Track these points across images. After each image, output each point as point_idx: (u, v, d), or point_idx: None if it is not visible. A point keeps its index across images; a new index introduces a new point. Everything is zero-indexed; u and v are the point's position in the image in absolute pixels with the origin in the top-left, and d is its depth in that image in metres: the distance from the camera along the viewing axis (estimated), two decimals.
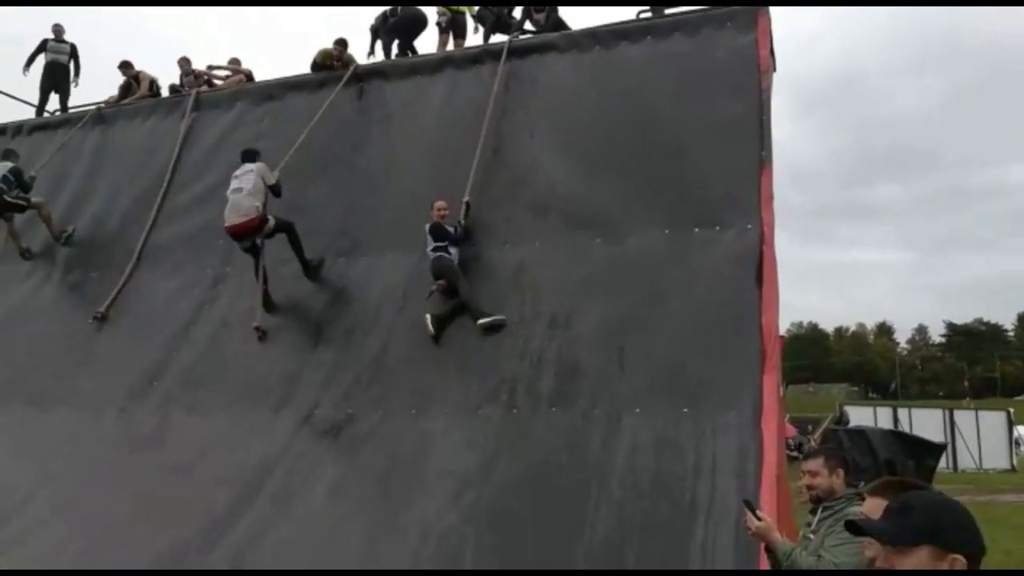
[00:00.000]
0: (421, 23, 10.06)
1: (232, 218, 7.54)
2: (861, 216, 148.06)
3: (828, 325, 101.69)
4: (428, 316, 6.87)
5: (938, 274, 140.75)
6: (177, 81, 11.49)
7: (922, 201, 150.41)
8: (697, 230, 6.71)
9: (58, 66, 11.92)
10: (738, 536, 4.61)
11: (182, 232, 9.12)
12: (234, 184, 7.67)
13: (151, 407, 7.43)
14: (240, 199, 7.52)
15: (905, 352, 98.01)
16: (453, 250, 7.18)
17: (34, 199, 9.65)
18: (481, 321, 6.72)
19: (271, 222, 7.62)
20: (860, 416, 26.84)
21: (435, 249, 7.13)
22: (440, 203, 7.35)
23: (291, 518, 5.81)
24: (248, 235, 7.61)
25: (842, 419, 24.73)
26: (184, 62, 11.57)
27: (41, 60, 11.91)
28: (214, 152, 9.69)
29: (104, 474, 6.85)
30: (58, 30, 12.03)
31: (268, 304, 7.79)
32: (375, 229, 8.13)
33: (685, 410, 5.66)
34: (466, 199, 7.56)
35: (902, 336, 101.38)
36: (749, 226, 6.47)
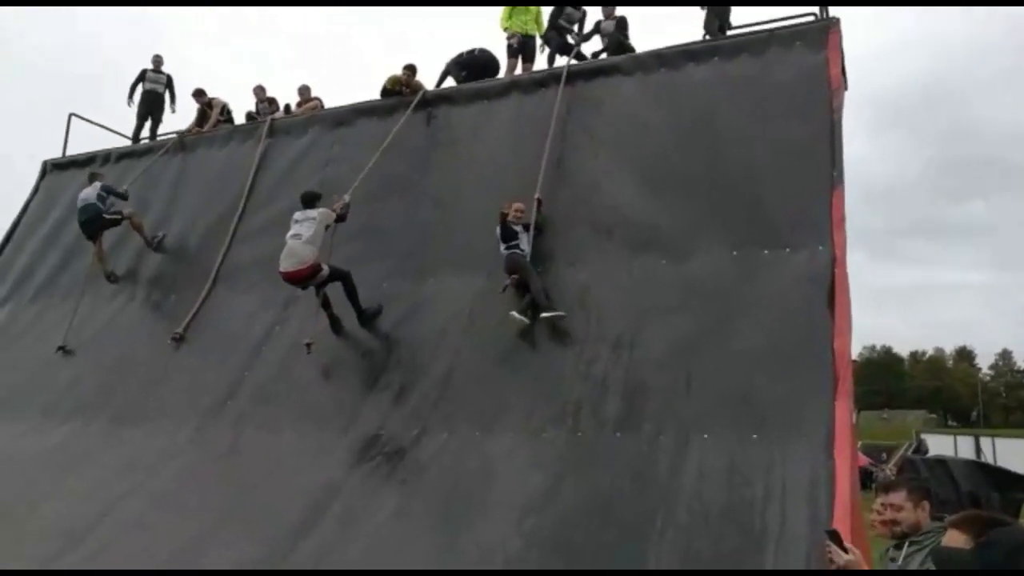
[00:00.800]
0: (494, 68, 10.15)
1: (286, 264, 7.62)
2: (944, 235, 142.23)
3: (903, 349, 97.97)
4: (514, 312, 7.06)
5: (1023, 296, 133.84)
6: (253, 108, 11.97)
7: (1009, 218, 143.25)
8: (766, 252, 6.58)
9: (155, 95, 12.62)
10: (808, 567, 4.48)
11: (256, 254, 9.39)
12: (294, 229, 7.74)
13: (224, 425, 7.64)
14: (297, 246, 7.59)
15: (988, 378, 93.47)
16: (525, 247, 7.38)
17: (126, 211, 10.23)
18: (544, 314, 6.89)
19: (325, 271, 7.67)
20: (939, 445, 25.75)
21: (508, 247, 7.36)
22: (518, 204, 7.54)
23: (355, 538, 5.85)
24: (300, 282, 7.73)
25: (920, 447, 23.70)
26: (259, 90, 12.04)
27: (140, 90, 12.61)
28: (288, 176, 10.01)
29: (178, 491, 7.04)
30: (157, 61, 12.75)
31: (336, 328, 7.92)
32: (442, 251, 8.24)
33: (754, 436, 5.53)
34: (538, 195, 7.69)
35: (984, 361, 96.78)
36: (821, 247, 6.32)
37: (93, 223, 9.99)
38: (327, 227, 7.83)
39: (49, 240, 11.50)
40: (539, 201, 7.69)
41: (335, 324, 7.96)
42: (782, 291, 6.26)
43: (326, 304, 7.91)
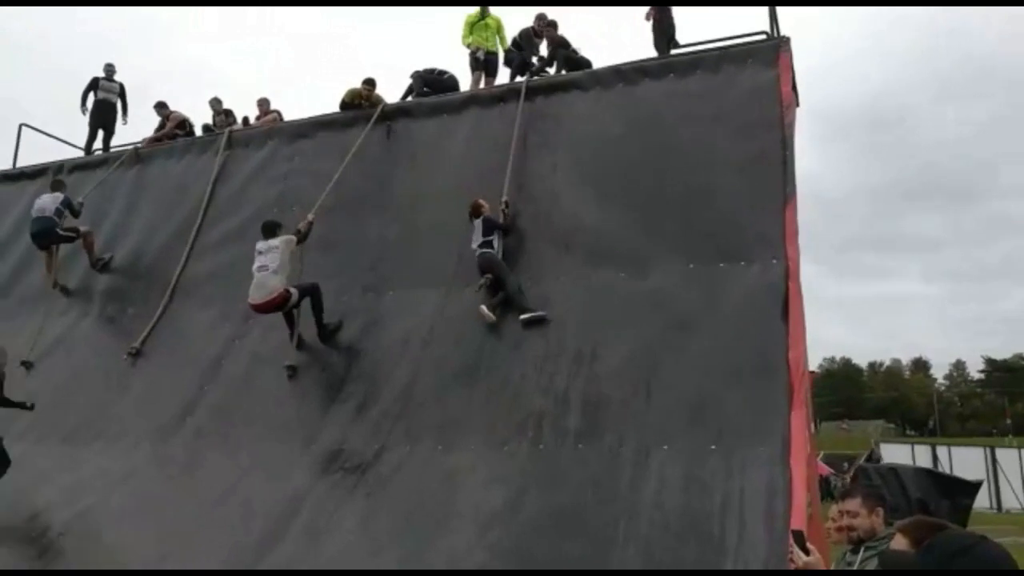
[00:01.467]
0: (455, 89, 10.20)
1: (256, 296, 7.64)
2: (896, 248, 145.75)
3: (861, 360, 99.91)
4: (483, 307, 7.18)
5: (975, 307, 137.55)
6: (210, 120, 11.85)
7: (959, 232, 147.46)
8: (722, 265, 6.72)
9: (108, 104, 12.37)
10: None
11: (214, 267, 9.31)
12: (259, 261, 7.74)
13: (183, 441, 7.52)
14: (265, 278, 7.60)
15: (943, 388, 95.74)
16: (497, 244, 7.54)
17: (81, 228, 10.00)
18: (523, 316, 7.02)
19: (294, 296, 7.69)
20: (897, 454, 26.23)
21: (482, 244, 7.52)
22: (481, 200, 7.77)
23: (320, 553, 5.81)
24: (272, 311, 7.76)
25: (872, 456, 24.16)
26: (215, 102, 11.93)
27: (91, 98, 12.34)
28: (246, 188, 9.93)
29: (137, 507, 6.92)
30: (109, 69, 12.48)
31: (299, 342, 7.90)
32: (402, 264, 8.25)
33: (713, 447, 5.62)
34: (504, 198, 7.86)
35: (939, 372, 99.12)
36: (774, 260, 6.47)
37: (46, 236, 9.78)
38: (291, 253, 7.84)
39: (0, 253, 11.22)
40: (506, 203, 7.84)
41: (299, 341, 7.90)
42: (738, 303, 6.39)
43: (290, 321, 7.88)
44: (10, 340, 9.65)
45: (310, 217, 8.17)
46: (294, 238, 7.93)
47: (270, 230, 7.95)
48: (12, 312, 10.31)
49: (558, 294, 7.23)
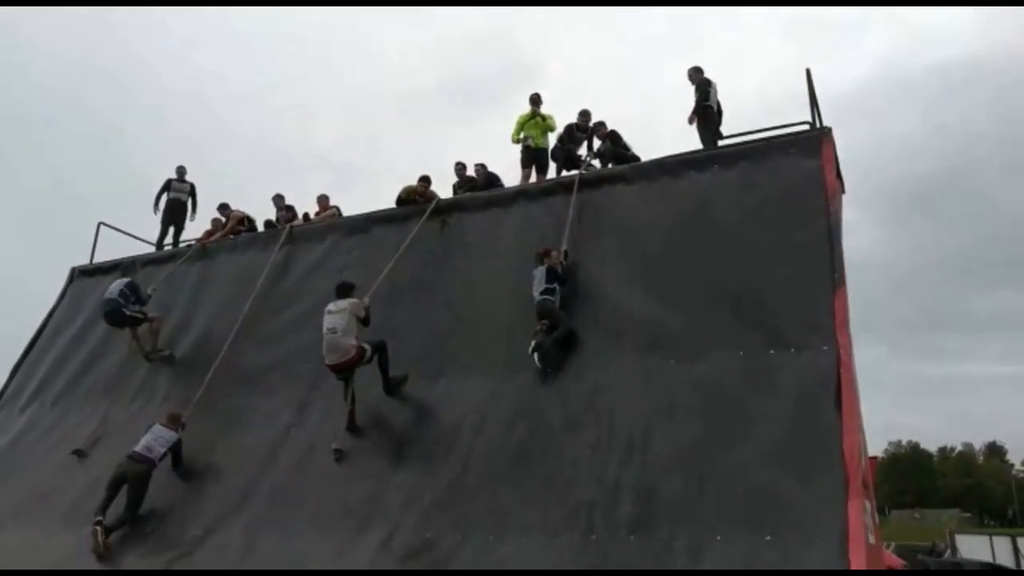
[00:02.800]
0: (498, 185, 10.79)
1: (333, 358, 8.05)
2: (970, 327, 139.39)
3: (931, 445, 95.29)
4: (535, 354, 7.65)
5: None
6: (273, 217, 12.46)
7: None
8: (772, 352, 6.72)
9: (179, 203, 13.23)
10: None
11: (274, 356, 9.62)
12: (328, 322, 8.11)
13: (239, 528, 7.64)
14: (337, 340, 8.01)
15: (1021, 474, 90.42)
16: (557, 293, 7.99)
17: (150, 314, 10.54)
18: (536, 357, 7.61)
19: (368, 352, 8.09)
20: (974, 546, 24.70)
21: (544, 292, 7.93)
22: (555, 251, 8.24)
23: None
24: (348, 370, 8.11)
25: (934, 550, 22.67)
26: (278, 198, 12.56)
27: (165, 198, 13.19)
28: (306, 281, 10.33)
29: None
30: (181, 171, 13.37)
31: (352, 426, 8.10)
32: (455, 352, 8.43)
33: (768, 538, 5.51)
34: (564, 248, 8.36)
35: (1015, 456, 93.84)
36: (825, 348, 6.46)
37: (114, 315, 10.31)
38: (358, 318, 8.20)
39: (73, 345, 11.78)
40: (566, 253, 8.32)
41: (352, 423, 8.11)
42: (790, 391, 6.35)
43: (352, 400, 8.13)
44: (76, 429, 10.11)
45: (365, 300, 8.48)
46: (360, 302, 8.31)
47: (344, 291, 8.40)
48: (80, 401, 10.76)
49: (609, 382, 7.29)
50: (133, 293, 10.39)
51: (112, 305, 10.23)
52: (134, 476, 8.17)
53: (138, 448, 8.33)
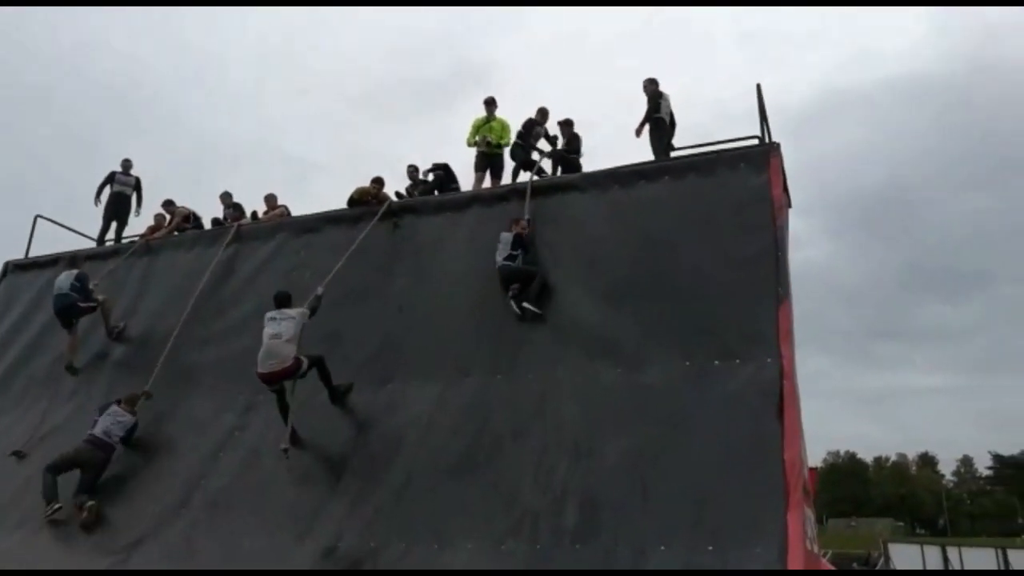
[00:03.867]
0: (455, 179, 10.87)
1: (267, 365, 7.70)
2: (907, 339, 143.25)
3: (867, 454, 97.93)
4: (513, 304, 8.03)
5: (982, 401, 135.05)
6: (220, 214, 12.19)
7: (972, 323, 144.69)
8: (717, 362, 6.84)
9: (123, 197, 12.81)
10: None
11: (218, 356, 9.41)
12: (271, 328, 7.85)
13: (179, 530, 7.45)
14: (278, 346, 7.70)
15: (951, 485, 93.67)
16: (520, 260, 8.35)
17: (100, 297, 10.33)
18: (525, 305, 7.99)
19: (304, 364, 7.81)
20: (907, 555, 25.53)
21: (507, 258, 8.32)
22: (522, 221, 8.65)
23: None
24: (281, 379, 7.82)
25: (869, 560, 23.37)
26: (226, 196, 12.31)
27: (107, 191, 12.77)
28: (253, 281, 10.12)
29: None
30: (126, 164, 12.97)
31: (295, 439, 7.85)
32: (403, 357, 8.37)
33: (710, 547, 5.61)
34: (527, 217, 8.71)
35: (946, 467, 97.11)
36: (769, 359, 6.59)
37: (68, 311, 10.05)
38: (303, 326, 7.97)
39: (7, 341, 11.34)
40: (529, 221, 8.67)
41: (293, 432, 7.91)
42: (733, 401, 6.47)
43: (284, 411, 7.91)
44: (11, 428, 9.73)
45: (319, 291, 8.39)
46: (308, 311, 8.11)
47: (284, 301, 8.15)
48: (16, 399, 10.37)
49: (556, 386, 7.33)
50: (82, 284, 10.14)
51: (64, 300, 9.99)
52: (90, 462, 8.11)
53: (96, 431, 8.24)
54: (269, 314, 8.03)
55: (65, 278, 10.13)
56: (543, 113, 10.89)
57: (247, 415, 8.52)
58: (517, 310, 7.99)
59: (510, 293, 8.14)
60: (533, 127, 10.76)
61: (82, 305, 10.08)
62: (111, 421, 8.38)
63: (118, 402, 8.68)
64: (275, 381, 7.80)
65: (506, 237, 8.45)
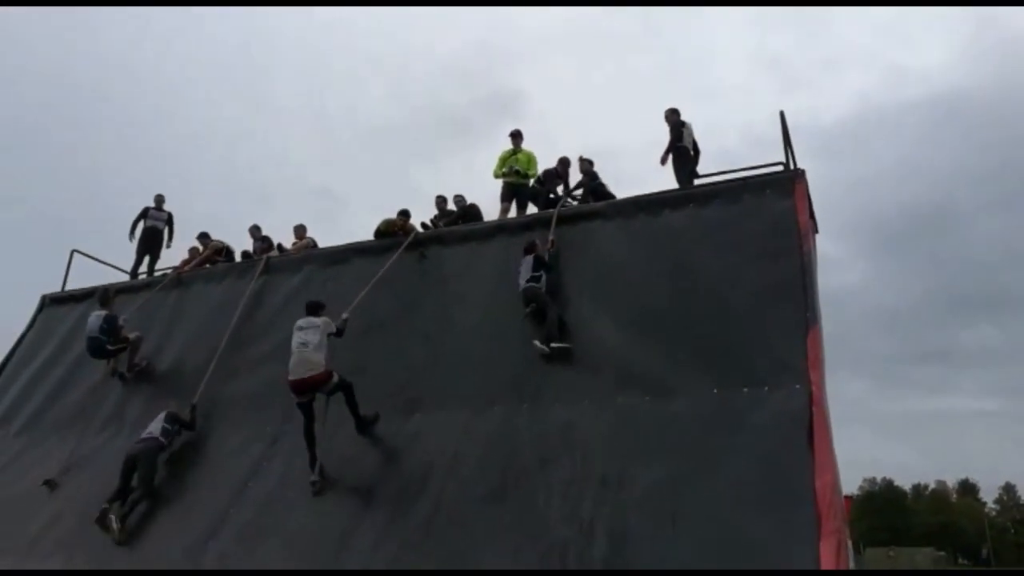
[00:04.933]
0: (480, 219, 10.91)
1: (299, 372, 7.78)
2: (947, 362, 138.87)
3: (905, 481, 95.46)
4: (536, 342, 7.97)
5: (1022, 425, 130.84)
6: (249, 247, 12.40)
7: (1015, 345, 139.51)
8: (746, 390, 6.75)
9: (155, 231, 13.11)
10: None
11: (246, 388, 9.50)
12: (299, 337, 7.98)
13: (207, 562, 7.46)
14: (308, 354, 7.82)
15: (993, 513, 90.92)
16: (543, 281, 8.42)
17: (131, 335, 10.53)
18: (553, 344, 7.85)
19: (335, 379, 7.89)
20: None
21: (529, 279, 8.39)
22: (539, 241, 8.76)
23: None
24: (313, 389, 7.86)
25: None
26: (255, 229, 12.52)
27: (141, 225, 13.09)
28: (282, 312, 10.23)
29: None
30: (159, 199, 13.28)
31: (322, 471, 7.86)
32: (429, 387, 8.37)
33: None
34: (552, 238, 8.81)
35: (987, 495, 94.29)
36: (798, 386, 6.50)
37: (97, 353, 10.30)
38: (329, 335, 8.08)
39: (42, 374, 11.57)
40: (552, 242, 8.76)
41: (315, 461, 7.93)
42: (763, 430, 6.37)
43: (310, 438, 7.93)
44: (43, 459, 9.88)
45: (344, 316, 8.48)
46: (331, 323, 8.21)
47: (314, 309, 8.29)
48: (48, 431, 10.54)
49: (584, 416, 7.27)
50: (110, 326, 10.29)
51: (93, 343, 10.23)
52: (141, 455, 8.49)
53: (143, 434, 8.79)
54: (299, 322, 8.17)
55: (95, 320, 10.31)
56: (564, 163, 11.02)
57: (274, 446, 8.56)
58: (547, 349, 7.88)
59: (527, 312, 8.26)
60: (553, 176, 10.89)
61: (110, 348, 10.31)
62: (156, 423, 8.87)
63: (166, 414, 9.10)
64: (306, 390, 7.84)
65: (527, 261, 8.53)
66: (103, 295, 10.79)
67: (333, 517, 7.45)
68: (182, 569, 5.98)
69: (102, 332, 10.17)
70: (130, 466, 8.45)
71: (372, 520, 7.23)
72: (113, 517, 8.08)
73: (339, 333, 8.30)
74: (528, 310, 8.22)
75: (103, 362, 10.61)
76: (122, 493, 8.36)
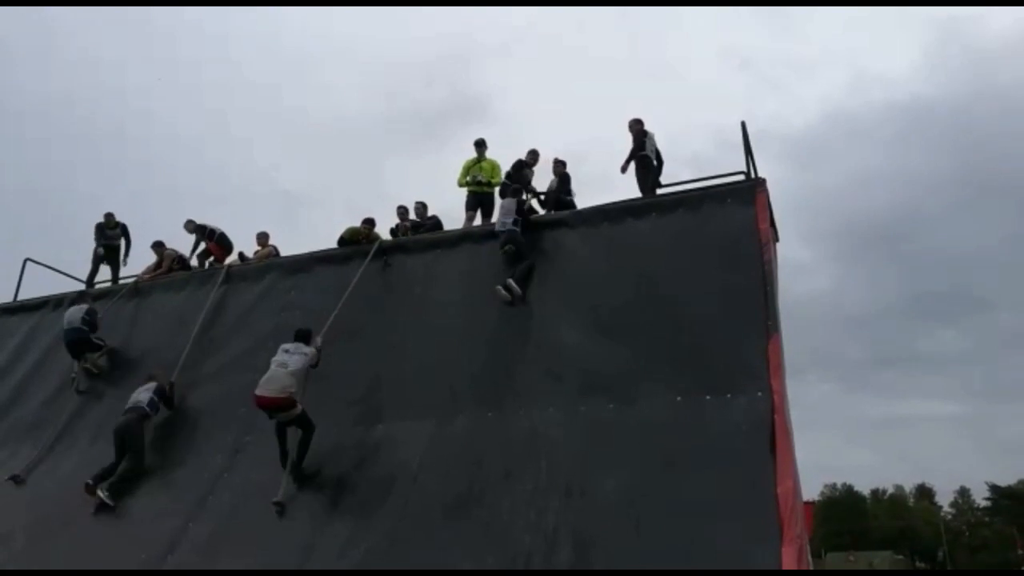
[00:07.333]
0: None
1: (266, 389, 7.68)
2: (907, 366, 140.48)
3: (864, 486, 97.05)
4: (499, 287, 8.38)
5: (981, 431, 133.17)
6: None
7: (971, 349, 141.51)
8: (708, 397, 6.82)
9: (112, 248, 12.82)
10: None
11: (207, 399, 9.33)
12: (281, 357, 7.89)
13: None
14: (282, 375, 7.71)
15: (949, 516, 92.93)
16: (519, 226, 8.91)
17: (108, 343, 10.50)
18: (511, 281, 8.40)
19: (299, 408, 7.75)
20: None
21: (514, 223, 8.89)
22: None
23: None
24: (272, 411, 7.76)
25: None
26: (188, 223, 12.37)
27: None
28: (243, 321, 10.09)
29: None
30: (109, 218, 12.86)
31: (280, 488, 7.75)
32: (394, 396, 8.31)
33: None
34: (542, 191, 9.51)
35: (943, 498, 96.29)
36: (759, 393, 6.58)
37: (78, 344, 10.20)
38: (311, 367, 8.00)
39: None
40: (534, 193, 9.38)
41: (285, 460, 7.85)
42: (725, 436, 6.45)
43: (284, 456, 7.85)
44: None
45: (318, 342, 8.35)
46: (316, 353, 8.13)
47: (303, 336, 8.20)
48: (2, 441, 10.23)
49: (548, 423, 7.29)
50: (91, 318, 10.33)
51: (76, 334, 10.17)
52: (127, 428, 8.64)
53: (129, 403, 8.92)
54: (285, 345, 8.07)
55: (76, 311, 10.29)
56: (533, 155, 11.03)
57: (236, 456, 8.42)
58: (504, 291, 8.31)
59: (504, 250, 8.74)
60: (522, 168, 10.89)
61: (94, 340, 10.28)
62: (136, 394, 8.97)
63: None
64: (265, 408, 7.76)
65: (507, 204, 9.05)
66: (80, 295, 10.75)
67: (296, 528, 7.34)
68: (180, 569, 5.80)
69: (84, 323, 10.17)
70: (121, 440, 8.59)
71: (336, 530, 7.15)
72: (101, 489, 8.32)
73: (315, 365, 8.19)
74: (505, 250, 8.71)
75: (56, 373, 10.31)
76: (114, 468, 8.52)
